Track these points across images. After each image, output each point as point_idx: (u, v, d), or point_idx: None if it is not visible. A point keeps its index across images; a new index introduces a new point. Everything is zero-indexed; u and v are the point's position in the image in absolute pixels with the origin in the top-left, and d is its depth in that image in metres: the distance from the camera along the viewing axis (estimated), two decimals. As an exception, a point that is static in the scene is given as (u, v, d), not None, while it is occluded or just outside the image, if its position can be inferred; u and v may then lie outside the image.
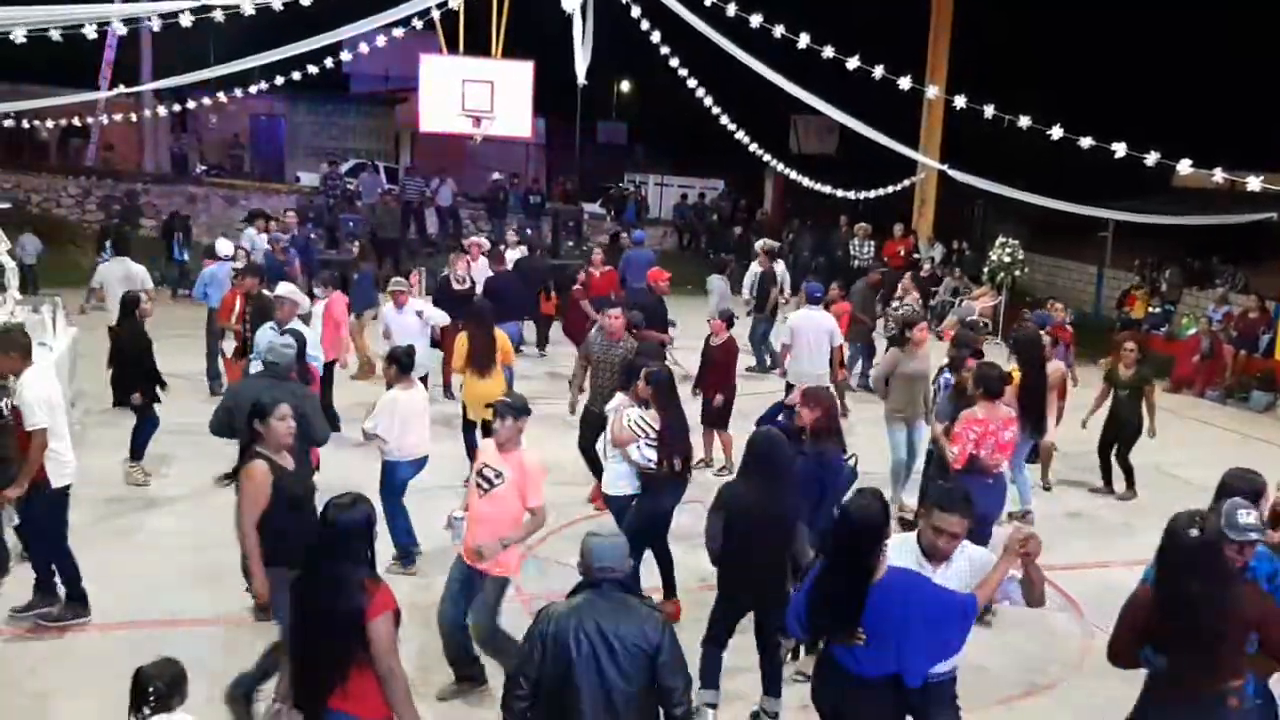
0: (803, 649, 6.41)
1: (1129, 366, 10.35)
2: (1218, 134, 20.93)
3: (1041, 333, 10.16)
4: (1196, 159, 12.53)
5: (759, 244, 15.71)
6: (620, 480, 7.12)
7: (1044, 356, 9.43)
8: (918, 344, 9.43)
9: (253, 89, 16.83)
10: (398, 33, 15.54)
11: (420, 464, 7.79)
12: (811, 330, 10.69)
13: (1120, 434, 10.36)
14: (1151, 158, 12.31)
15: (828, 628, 4.52)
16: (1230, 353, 16.04)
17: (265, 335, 8.48)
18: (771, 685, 5.93)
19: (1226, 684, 4.33)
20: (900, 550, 4.56)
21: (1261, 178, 13.19)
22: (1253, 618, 4.33)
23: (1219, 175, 13.10)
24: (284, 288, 9.48)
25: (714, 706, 5.90)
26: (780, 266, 15.34)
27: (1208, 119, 23.93)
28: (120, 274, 11.40)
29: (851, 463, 6.65)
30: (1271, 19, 20.21)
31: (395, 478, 7.66)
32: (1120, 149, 12.02)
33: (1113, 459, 10.48)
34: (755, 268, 14.93)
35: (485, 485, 5.81)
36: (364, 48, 15.96)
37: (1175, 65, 25.62)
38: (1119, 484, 10.48)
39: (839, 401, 12.73)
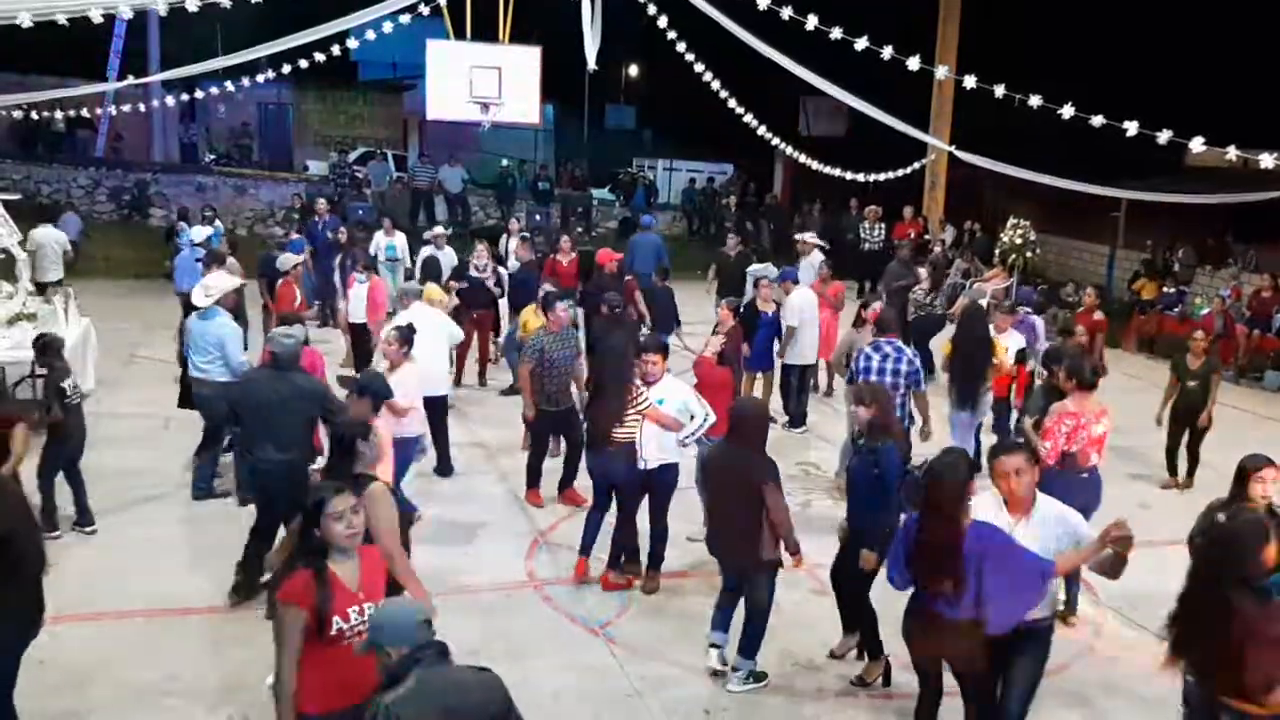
0: (866, 655, 6.39)
1: (1198, 356, 10.17)
2: (1231, 112, 20.72)
3: (983, 304, 10.20)
4: (1209, 137, 12.43)
5: (803, 237, 15.54)
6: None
7: (985, 329, 9.60)
8: (871, 322, 9.54)
9: (260, 77, 16.81)
10: (405, 19, 15.49)
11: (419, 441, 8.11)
12: (811, 311, 11.02)
13: (1193, 425, 10.18)
14: (1164, 136, 12.21)
15: (923, 575, 4.87)
16: (1244, 332, 15.95)
17: (192, 324, 8.50)
18: (745, 645, 6.18)
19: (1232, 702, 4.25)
20: (983, 504, 4.92)
21: (1275, 155, 13.10)
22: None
23: (1232, 153, 12.98)
24: (213, 276, 9.19)
25: (718, 647, 6.31)
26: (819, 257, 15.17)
27: (1220, 97, 23.70)
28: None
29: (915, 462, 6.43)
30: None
31: (407, 455, 7.78)
32: (1132, 128, 11.93)
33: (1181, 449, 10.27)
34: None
35: None
36: (371, 35, 15.92)
37: (1187, 43, 25.36)
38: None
39: (829, 380, 12.84)
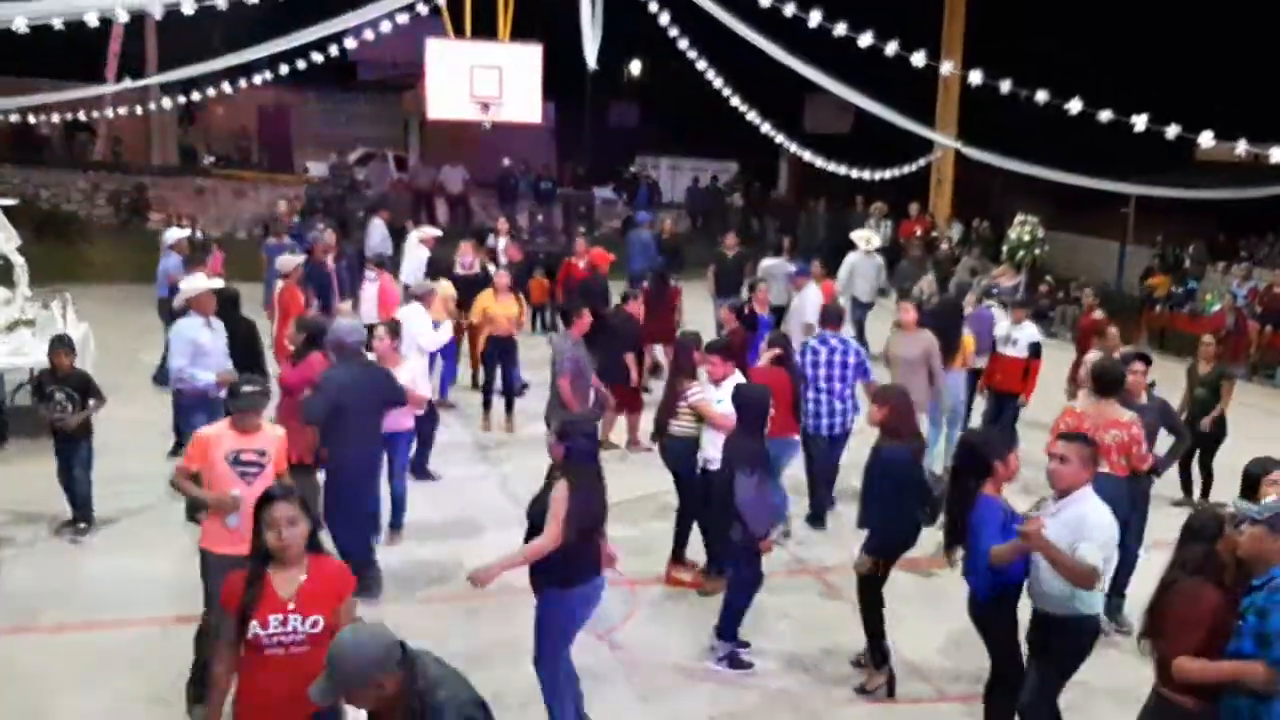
0: (871, 661, 6.31)
1: (1207, 361, 9.70)
2: (1240, 105, 20.51)
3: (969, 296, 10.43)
4: (1218, 131, 12.25)
5: (860, 235, 15.40)
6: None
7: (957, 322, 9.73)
8: (905, 326, 9.32)
9: (258, 79, 16.68)
10: (403, 18, 15.35)
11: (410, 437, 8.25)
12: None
13: (1201, 438, 9.39)
14: (1172, 130, 12.06)
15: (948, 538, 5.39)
16: (1255, 329, 15.77)
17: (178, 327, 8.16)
18: (722, 627, 6.38)
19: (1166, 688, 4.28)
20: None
21: (1287, 149, 12.89)
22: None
23: (1242, 147, 12.82)
24: (186, 278, 9.00)
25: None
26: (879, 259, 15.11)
27: (1230, 90, 23.50)
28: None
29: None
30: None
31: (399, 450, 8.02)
32: (1140, 122, 11.77)
33: (1194, 466, 9.64)
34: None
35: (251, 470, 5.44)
36: (369, 34, 15.78)
37: (1196, 36, 25.17)
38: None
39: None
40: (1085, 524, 4.81)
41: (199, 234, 12.44)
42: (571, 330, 8.78)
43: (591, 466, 5.31)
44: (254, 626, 3.83)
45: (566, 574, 5.12)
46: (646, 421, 9.30)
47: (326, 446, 6.87)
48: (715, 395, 7.16)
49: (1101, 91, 12.70)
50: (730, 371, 7.28)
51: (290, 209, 16.86)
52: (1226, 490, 8.24)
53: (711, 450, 7.07)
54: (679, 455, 7.49)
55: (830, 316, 9.06)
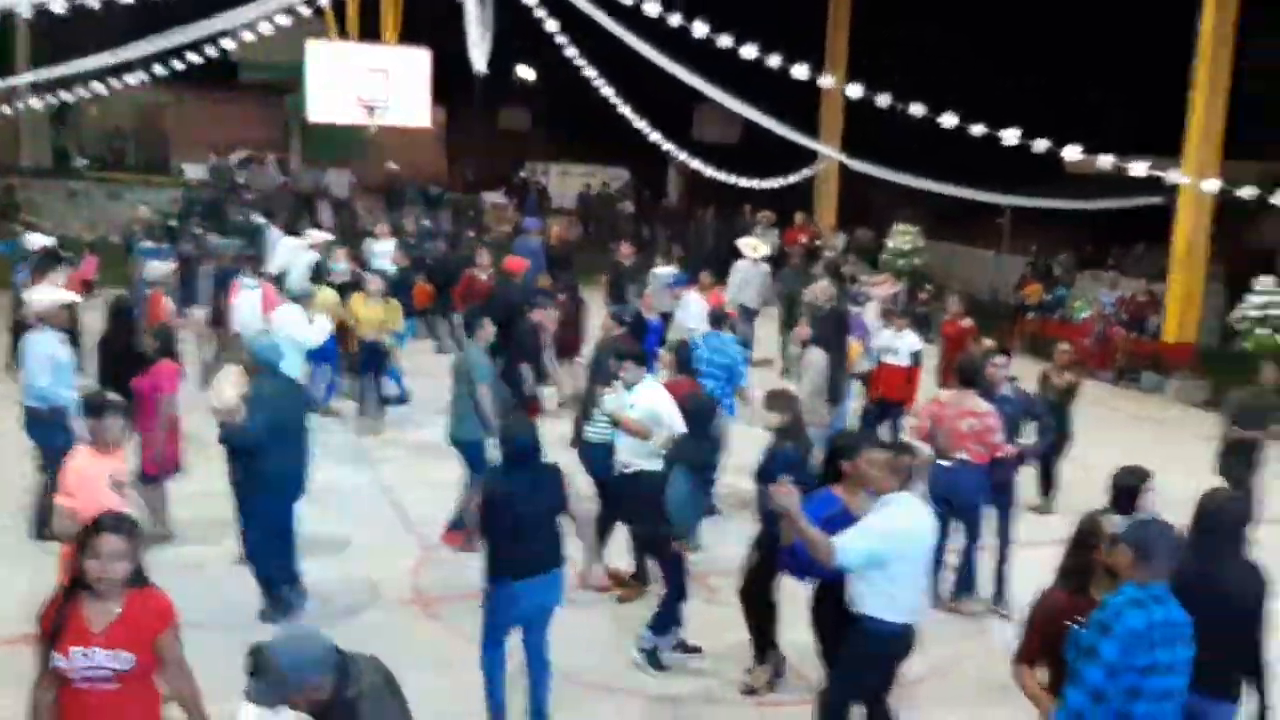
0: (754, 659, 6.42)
1: (1063, 368, 9.78)
2: (1107, 121, 21.47)
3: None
4: (1086, 146, 12.81)
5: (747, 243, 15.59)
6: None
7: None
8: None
9: (133, 79, 16.15)
10: (285, 20, 15.06)
11: None
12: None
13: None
14: (1040, 144, 12.57)
15: None
16: (1121, 335, 16.48)
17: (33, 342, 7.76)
18: (653, 622, 6.53)
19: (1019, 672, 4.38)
20: None
21: (1148, 163, 13.56)
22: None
23: (1106, 161, 13.42)
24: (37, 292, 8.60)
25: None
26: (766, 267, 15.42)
27: (1097, 107, 24.57)
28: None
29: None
30: (1154, 9, 20.76)
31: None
32: (1011, 136, 12.24)
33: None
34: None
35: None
36: (250, 35, 15.43)
37: (1068, 55, 26.26)
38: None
39: None
40: (869, 519, 4.93)
41: (52, 242, 11.67)
42: (477, 339, 8.67)
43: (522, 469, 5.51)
44: (56, 657, 3.67)
45: (493, 569, 5.46)
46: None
47: (257, 464, 6.74)
48: (629, 401, 7.17)
49: (978, 106, 13.17)
50: (642, 377, 7.32)
51: (151, 215, 16.18)
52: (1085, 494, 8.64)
53: (626, 455, 7.13)
54: (596, 459, 7.56)
55: (717, 320, 9.51)
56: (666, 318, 12.51)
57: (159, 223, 17.12)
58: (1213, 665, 4.10)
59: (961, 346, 11.30)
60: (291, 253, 13.47)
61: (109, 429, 5.30)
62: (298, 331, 9.53)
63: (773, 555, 5.97)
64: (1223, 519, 4.49)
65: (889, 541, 4.79)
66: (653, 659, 6.52)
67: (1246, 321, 13.40)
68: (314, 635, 3.31)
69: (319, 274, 11.89)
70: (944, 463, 7.30)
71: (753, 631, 6.32)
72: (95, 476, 5.21)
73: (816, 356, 9.19)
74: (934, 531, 5.17)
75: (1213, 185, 13.75)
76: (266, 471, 6.75)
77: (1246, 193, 12.56)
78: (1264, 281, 13.49)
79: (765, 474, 6.24)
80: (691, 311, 11.50)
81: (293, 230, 16.18)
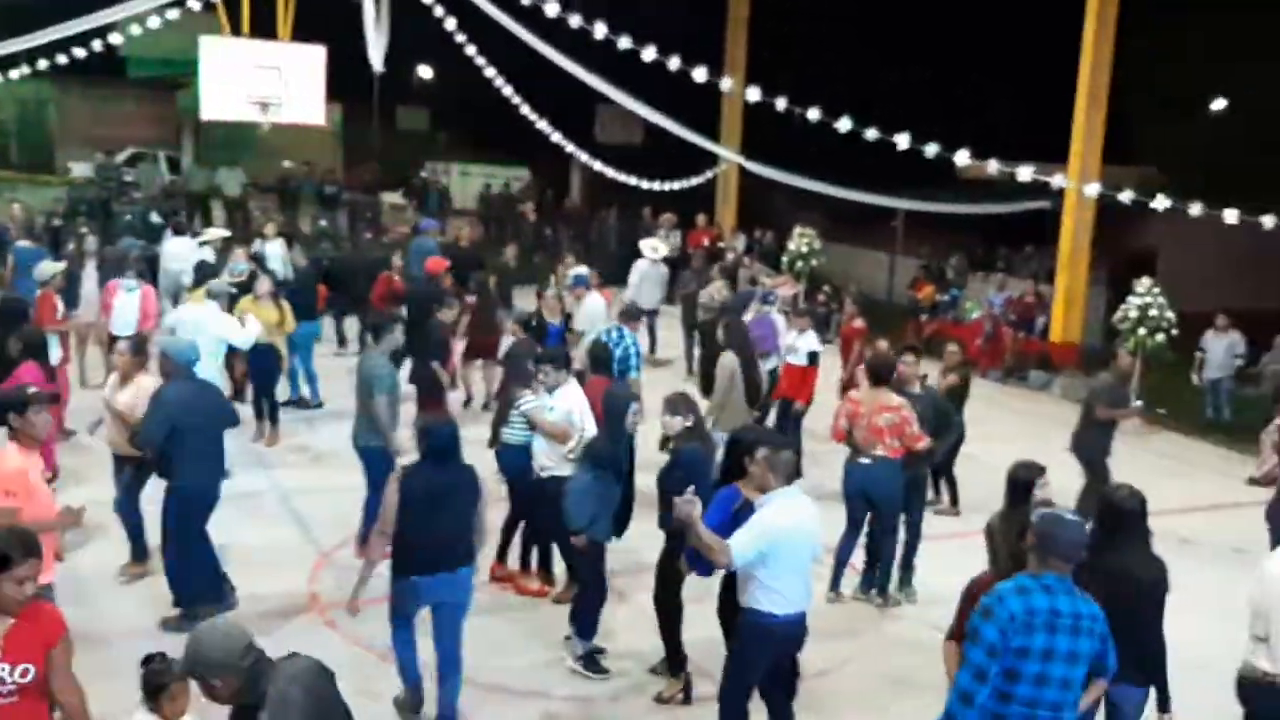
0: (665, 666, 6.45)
1: (951, 369, 9.89)
2: (999, 128, 22.13)
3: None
4: (976, 151, 13.23)
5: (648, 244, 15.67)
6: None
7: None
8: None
9: (15, 73, 15.57)
10: (175, 14, 14.67)
11: None
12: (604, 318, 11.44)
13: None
14: (931, 149, 12.93)
15: None
16: (1010, 335, 17.00)
17: None
18: (577, 626, 6.57)
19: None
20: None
21: (1033, 168, 14.05)
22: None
23: (993, 166, 13.87)
24: None
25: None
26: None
27: (990, 114, 25.33)
28: None
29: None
30: (1043, 22, 21.49)
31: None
32: (903, 140, 12.55)
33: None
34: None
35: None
36: (137, 29, 14.99)
37: (961, 61, 27.07)
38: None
39: None
40: (757, 518, 5.07)
41: None
42: (382, 346, 8.50)
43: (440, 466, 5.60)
44: None
45: (398, 562, 5.61)
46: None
47: (167, 469, 6.64)
48: (548, 403, 7.16)
49: (875, 111, 13.47)
50: (564, 379, 7.29)
51: (25, 213, 15.54)
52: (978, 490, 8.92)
53: (544, 458, 7.13)
54: (512, 462, 7.58)
55: (628, 314, 10.08)
56: (568, 319, 12.52)
57: (36, 221, 16.52)
58: (1127, 655, 4.30)
59: (854, 345, 11.59)
60: (190, 253, 13.17)
61: (36, 424, 5.21)
62: (230, 332, 9.35)
63: (673, 559, 6.05)
64: (1130, 513, 4.70)
65: (771, 536, 4.95)
66: (590, 664, 6.50)
67: (1127, 322, 13.91)
68: (239, 632, 3.43)
69: (202, 275, 11.64)
70: (863, 460, 7.50)
71: (667, 641, 6.31)
72: (31, 475, 5.14)
73: (728, 360, 9.19)
74: (817, 525, 5.29)
75: (1094, 189, 14.30)
76: (170, 480, 6.63)
77: (1126, 196, 13.10)
78: (1144, 283, 14.03)
79: (669, 478, 6.22)
80: (592, 312, 11.50)
81: (181, 231, 15.79)
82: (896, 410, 7.51)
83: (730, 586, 5.48)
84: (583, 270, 13.44)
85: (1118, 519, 4.69)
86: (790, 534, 5.02)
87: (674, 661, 6.32)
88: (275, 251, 14.06)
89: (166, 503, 6.74)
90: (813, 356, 10.66)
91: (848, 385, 10.81)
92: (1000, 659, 3.92)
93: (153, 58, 27.43)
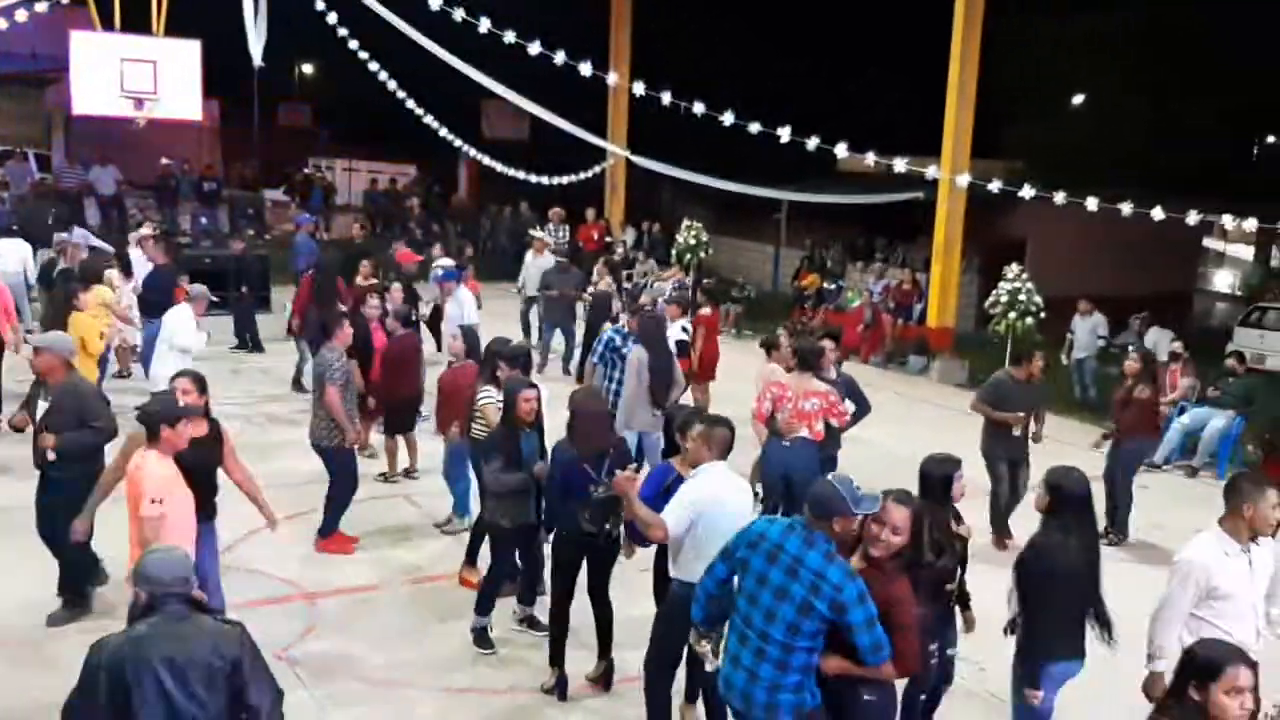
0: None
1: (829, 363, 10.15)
2: (874, 123, 22.78)
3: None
4: (852, 144, 13.67)
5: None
6: None
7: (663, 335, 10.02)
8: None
9: None
10: (41, 7, 14.20)
11: None
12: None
13: None
14: (812, 142, 13.34)
15: None
16: (889, 322, 17.60)
17: None
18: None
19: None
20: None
21: (906, 160, 14.58)
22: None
23: (870, 159, 14.36)
24: None
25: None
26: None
27: (867, 110, 26.07)
28: None
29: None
30: (916, 21, 22.20)
31: None
32: (784, 133, 12.91)
33: None
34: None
35: None
36: (3, 23, 14.45)
37: (841, 56, 27.80)
38: None
39: None
40: (683, 489, 5.28)
41: None
42: (335, 340, 8.40)
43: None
44: None
45: None
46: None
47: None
48: (499, 398, 7.09)
49: (758, 105, 13.81)
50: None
51: None
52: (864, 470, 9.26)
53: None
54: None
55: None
56: (436, 311, 12.60)
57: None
58: (1075, 629, 4.83)
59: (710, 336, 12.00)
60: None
61: (184, 437, 5.48)
62: (181, 335, 9.31)
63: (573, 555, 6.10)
64: (1078, 495, 4.95)
65: (697, 507, 5.16)
66: (481, 638, 6.62)
67: (998, 306, 14.54)
68: (176, 560, 3.72)
69: (48, 275, 11.38)
70: (783, 442, 7.66)
71: (552, 628, 6.26)
72: (179, 484, 5.40)
73: (638, 354, 9.01)
74: (744, 497, 5.41)
75: (964, 180, 14.90)
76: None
77: (994, 187, 13.72)
78: (1013, 270, 14.68)
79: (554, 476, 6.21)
80: (464, 306, 11.47)
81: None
82: (823, 395, 7.84)
83: (663, 556, 5.66)
84: (448, 262, 13.41)
85: (1064, 502, 4.93)
86: (712, 504, 5.16)
87: (553, 651, 6.26)
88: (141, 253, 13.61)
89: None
90: (681, 346, 10.63)
91: (699, 375, 11.29)
92: (729, 561, 4.49)
93: (19, 51, 26.35)
